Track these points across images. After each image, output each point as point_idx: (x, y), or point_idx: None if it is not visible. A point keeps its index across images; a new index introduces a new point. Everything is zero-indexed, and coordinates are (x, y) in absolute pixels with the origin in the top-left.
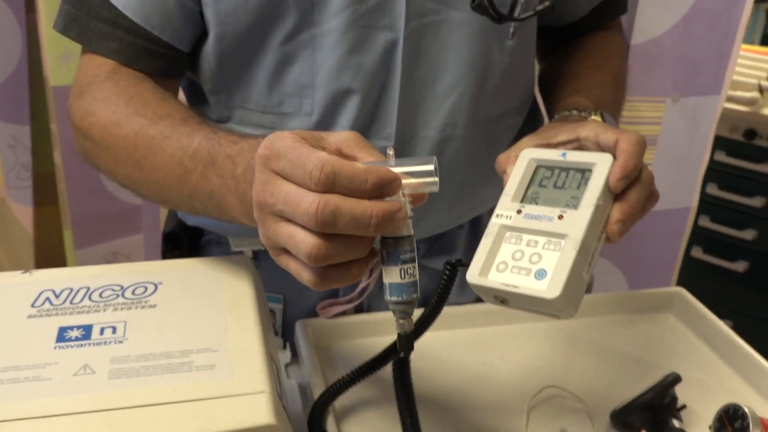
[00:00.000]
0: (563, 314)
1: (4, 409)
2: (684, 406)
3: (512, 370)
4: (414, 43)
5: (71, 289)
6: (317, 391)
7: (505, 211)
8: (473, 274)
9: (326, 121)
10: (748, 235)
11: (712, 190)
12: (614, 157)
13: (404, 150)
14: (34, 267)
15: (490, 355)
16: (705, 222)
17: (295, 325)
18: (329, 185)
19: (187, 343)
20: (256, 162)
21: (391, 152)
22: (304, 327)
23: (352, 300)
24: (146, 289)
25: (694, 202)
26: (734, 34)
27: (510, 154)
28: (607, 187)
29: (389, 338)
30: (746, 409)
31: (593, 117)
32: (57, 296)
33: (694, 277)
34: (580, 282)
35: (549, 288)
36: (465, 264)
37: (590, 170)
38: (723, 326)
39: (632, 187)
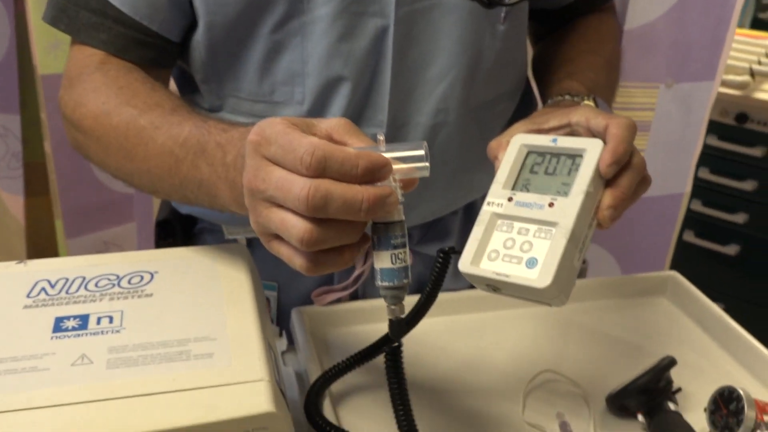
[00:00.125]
0: (555, 302)
1: (2, 400)
2: (679, 389)
3: (508, 356)
4: (404, 29)
5: (67, 279)
6: (314, 379)
7: (497, 198)
8: (465, 263)
9: (318, 109)
10: (740, 218)
11: (704, 174)
12: (605, 142)
13: (396, 137)
14: (26, 257)
15: (485, 341)
16: (697, 206)
17: (291, 312)
18: (320, 170)
19: (185, 331)
20: (246, 148)
21: (381, 137)
22: (300, 315)
23: (347, 287)
24: (142, 278)
25: (688, 188)
26: (728, 19)
27: (501, 140)
28: (597, 173)
29: (385, 325)
30: (741, 392)
31: (586, 102)
32: (52, 286)
33: (686, 261)
34: (571, 270)
35: (540, 277)
36: (458, 252)
37: (581, 156)
38: (717, 309)
39: (623, 172)
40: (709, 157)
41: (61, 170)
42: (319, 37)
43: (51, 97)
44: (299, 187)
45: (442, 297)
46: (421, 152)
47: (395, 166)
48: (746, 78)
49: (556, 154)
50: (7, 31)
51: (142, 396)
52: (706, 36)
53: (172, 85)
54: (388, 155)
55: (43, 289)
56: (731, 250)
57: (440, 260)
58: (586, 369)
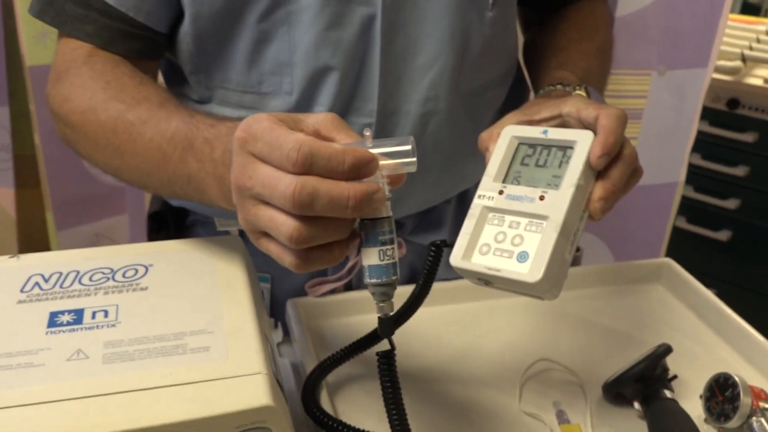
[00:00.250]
0: (546, 296)
1: None
2: (675, 377)
3: (503, 345)
4: (392, 16)
5: (60, 273)
6: (310, 370)
7: (488, 191)
8: (456, 257)
9: (306, 99)
10: (732, 204)
11: (696, 160)
12: (595, 134)
13: (386, 125)
14: (17, 250)
15: (479, 331)
16: (689, 192)
17: (287, 304)
18: (307, 166)
19: (181, 325)
20: (233, 145)
21: (368, 133)
22: (296, 306)
23: (341, 278)
24: (137, 271)
25: (681, 176)
26: (720, 5)
27: (493, 132)
28: (588, 165)
29: None
30: (736, 378)
31: (577, 92)
32: (46, 280)
33: (678, 246)
34: (563, 263)
35: (531, 271)
36: (449, 245)
37: (571, 148)
38: (712, 296)
39: (614, 164)
40: (700, 143)
41: (51, 162)
42: (306, 26)
43: (39, 88)
44: (285, 184)
45: (435, 287)
46: (408, 147)
47: (382, 162)
48: (738, 63)
49: (547, 146)
50: None
51: (139, 391)
52: (698, 22)
53: (160, 77)
54: (374, 151)
55: (37, 283)
56: (723, 235)
57: (432, 254)
58: (582, 357)
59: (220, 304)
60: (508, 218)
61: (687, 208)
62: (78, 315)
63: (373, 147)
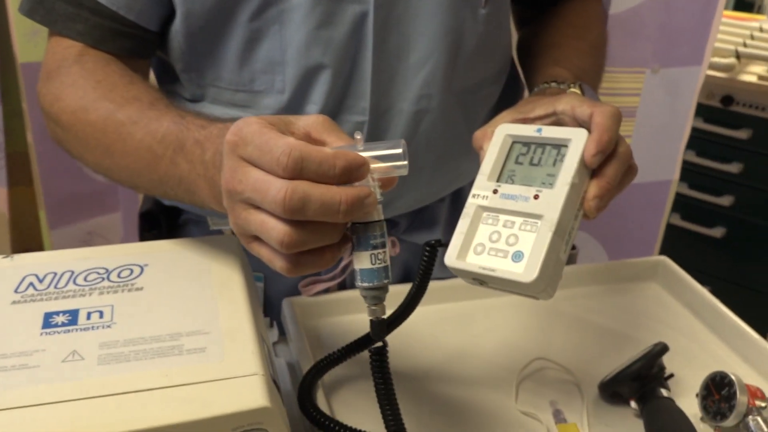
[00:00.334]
0: (541, 296)
1: None
2: (671, 375)
3: (498, 344)
4: (384, 14)
5: (55, 274)
6: (306, 370)
7: (482, 191)
8: (451, 257)
9: (298, 98)
10: (726, 201)
11: (690, 157)
12: (590, 132)
13: (379, 124)
14: (10, 249)
15: (475, 330)
16: (683, 189)
17: (282, 303)
18: (297, 171)
19: (177, 326)
20: (224, 148)
21: (359, 136)
22: (291, 305)
23: (335, 277)
24: (132, 271)
25: (676, 174)
26: (714, 2)
27: (487, 130)
28: (582, 163)
29: None
30: (733, 377)
31: (572, 89)
32: (41, 281)
33: (672, 243)
34: (558, 262)
35: (526, 271)
36: (444, 244)
37: (565, 146)
38: (707, 294)
39: (609, 162)
40: (695, 140)
41: (44, 160)
42: (297, 24)
43: (32, 86)
44: (276, 189)
45: (430, 286)
46: (399, 150)
47: (373, 165)
48: (732, 60)
49: (541, 145)
50: None
51: (135, 392)
52: (692, 20)
53: (152, 76)
54: (365, 154)
55: (31, 284)
56: (717, 232)
57: (427, 254)
58: (578, 356)
59: (216, 305)
60: (503, 217)
61: (681, 205)
62: (73, 316)
63: (364, 150)
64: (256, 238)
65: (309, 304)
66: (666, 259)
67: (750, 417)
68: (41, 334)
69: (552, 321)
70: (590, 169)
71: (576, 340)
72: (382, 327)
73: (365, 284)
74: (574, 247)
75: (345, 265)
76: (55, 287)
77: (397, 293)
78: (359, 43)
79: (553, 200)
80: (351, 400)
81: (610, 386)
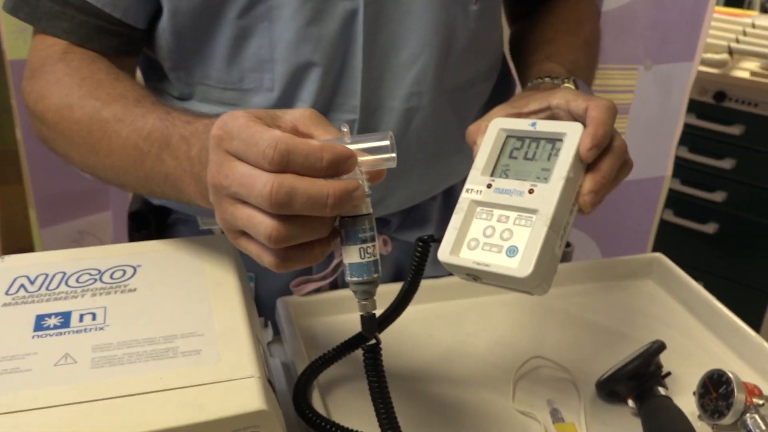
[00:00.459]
0: (536, 291)
1: None
2: (669, 374)
3: (495, 342)
4: (374, 11)
5: (46, 275)
6: (301, 370)
7: (476, 185)
8: (444, 252)
9: (288, 96)
10: (718, 197)
11: (683, 153)
12: (585, 126)
13: (370, 122)
14: (0, 247)
15: (469, 328)
16: (676, 185)
17: (277, 303)
18: (284, 164)
19: (171, 327)
20: (210, 143)
21: (345, 129)
22: (286, 305)
23: (326, 277)
24: (125, 272)
25: (668, 171)
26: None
27: (480, 125)
28: (578, 158)
29: None
30: (730, 375)
31: (566, 84)
32: (32, 282)
33: (665, 239)
34: (553, 258)
35: (520, 266)
36: (437, 240)
37: (560, 140)
38: (703, 291)
39: (604, 156)
40: (687, 136)
41: (33, 158)
42: (286, 21)
43: (20, 83)
44: (262, 183)
45: (424, 284)
46: (387, 143)
47: (361, 158)
48: (724, 56)
49: (536, 139)
50: None
51: (129, 396)
52: (684, 16)
53: (138, 74)
54: (353, 147)
55: (23, 285)
56: (710, 228)
57: (419, 249)
58: (574, 354)
59: (210, 306)
60: (497, 212)
61: (674, 201)
62: (65, 318)
63: (352, 143)
64: (244, 234)
65: (304, 303)
66: (661, 256)
67: (748, 415)
68: (33, 337)
69: (547, 319)
70: (585, 164)
71: (572, 338)
72: (373, 322)
73: (355, 279)
74: (569, 245)
75: (336, 264)
76: (47, 289)
77: (389, 292)
78: (349, 40)
79: (548, 195)
80: (347, 400)
81: (608, 385)
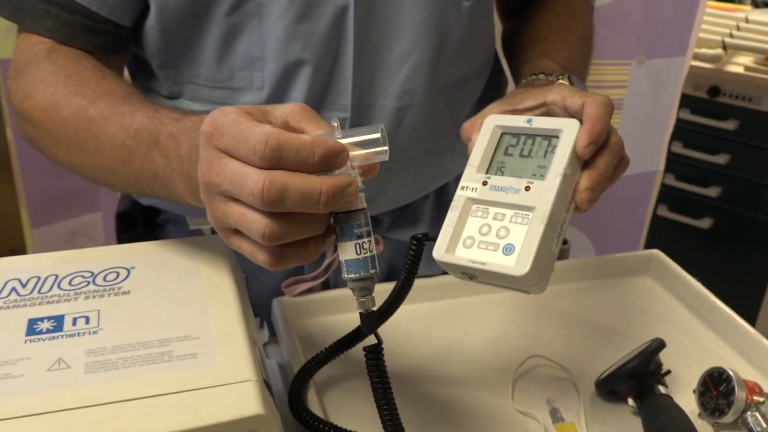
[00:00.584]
0: (533, 290)
1: None
2: (668, 372)
3: (492, 341)
4: (365, 7)
5: (38, 278)
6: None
7: (471, 182)
8: (439, 251)
9: (278, 95)
10: (713, 192)
11: (677, 148)
12: (581, 122)
13: (361, 120)
14: None
15: (466, 327)
16: (670, 180)
17: (272, 303)
18: (275, 160)
19: (166, 331)
20: (200, 140)
21: (336, 123)
22: (282, 305)
23: (318, 276)
24: (118, 274)
25: (661, 165)
26: None
27: (475, 122)
28: (574, 155)
29: None
30: (731, 372)
31: (560, 81)
32: (24, 286)
33: (660, 235)
34: (550, 256)
35: (517, 264)
36: (431, 238)
37: (557, 137)
38: (701, 288)
39: (601, 153)
40: (682, 132)
41: (25, 157)
42: (276, 19)
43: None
44: (254, 180)
45: (420, 283)
46: (377, 135)
47: (352, 153)
48: (718, 51)
49: (531, 136)
50: None
51: (124, 402)
52: (677, 11)
53: (126, 73)
54: (344, 141)
55: (14, 289)
56: (705, 223)
57: (413, 248)
58: (573, 353)
59: (206, 308)
60: (493, 210)
61: (668, 196)
62: (58, 322)
63: (343, 137)
64: (236, 232)
65: (300, 304)
66: (659, 253)
67: (749, 413)
68: (25, 341)
69: (544, 317)
70: (582, 161)
71: (570, 337)
72: (373, 320)
73: (352, 275)
74: (566, 242)
75: (328, 263)
76: (39, 292)
77: (381, 291)
78: (340, 37)
79: (544, 192)
80: (344, 401)
81: (607, 384)
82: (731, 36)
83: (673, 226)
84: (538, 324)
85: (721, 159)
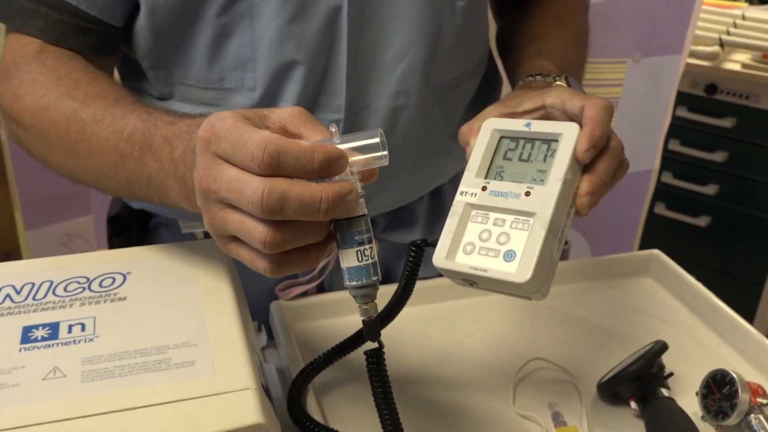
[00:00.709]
0: (535, 296)
1: None
2: (671, 374)
3: (493, 344)
4: (359, 7)
5: (33, 284)
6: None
7: (470, 188)
8: (439, 257)
9: (271, 96)
10: (710, 190)
11: (674, 146)
12: (581, 126)
13: (355, 122)
14: None
15: (466, 330)
16: (667, 178)
17: (270, 307)
18: (274, 166)
19: (163, 338)
20: (196, 145)
21: (334, 129)
22: (280, 309)
23: (313, 280)
24: (114, 280)
25: (656, 164)
26: None
27: (473, 125)
28: (574, 159)
29: None
30: (734, 374)
31: (558, 82)
32: (18, 292)
33: (657, 233)
34: (551, 262)
35: (519, 271)
36: (431, 244)
37: (556, 141)
38: (702, 288)
39: (601, 157)
40: (679, 129)
41: (19, 159)
42: (268, 19)
43: None
44: (252, 188)
45: (419, 285)
46: (377, 140)
47: (352, 158)
48: (715, 49)
49: (531, 140)
50: None
51: (121, 411)
52: (673, 8)
53: (116, 74)
54: (343, 146)
55: (8, 295)
56: (702, 221)
57: (413, 254)
58: (574, 355)
59: (204, 314)
60: (493, 215)
61: (666, 194)
62: (53, 329)
63: (342, 143)
64: (234, 239)
65: (298, 307)
66: (659, 253)
67: (752, 415)
68: (20, 350)
69: (545, 319)
70: (582, 165)
71: (571, 339)
72: (376, 326)
73: (354, 283)
74: (566, 243)
75: (322, 267)
76: (34, 299)
77: (378, 294)
78: (333, 38)
79: (545, 197)
80: (343, 405)
81: (609, 386)
82: (728, 33)
83: (670, 224)
84: (539, 326)
85: (718, 157)
